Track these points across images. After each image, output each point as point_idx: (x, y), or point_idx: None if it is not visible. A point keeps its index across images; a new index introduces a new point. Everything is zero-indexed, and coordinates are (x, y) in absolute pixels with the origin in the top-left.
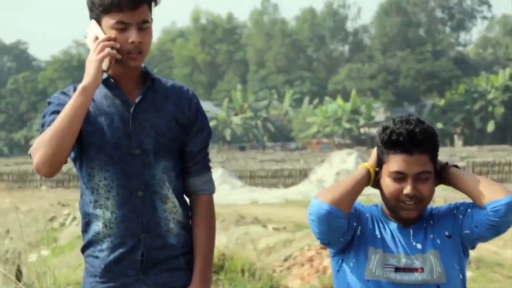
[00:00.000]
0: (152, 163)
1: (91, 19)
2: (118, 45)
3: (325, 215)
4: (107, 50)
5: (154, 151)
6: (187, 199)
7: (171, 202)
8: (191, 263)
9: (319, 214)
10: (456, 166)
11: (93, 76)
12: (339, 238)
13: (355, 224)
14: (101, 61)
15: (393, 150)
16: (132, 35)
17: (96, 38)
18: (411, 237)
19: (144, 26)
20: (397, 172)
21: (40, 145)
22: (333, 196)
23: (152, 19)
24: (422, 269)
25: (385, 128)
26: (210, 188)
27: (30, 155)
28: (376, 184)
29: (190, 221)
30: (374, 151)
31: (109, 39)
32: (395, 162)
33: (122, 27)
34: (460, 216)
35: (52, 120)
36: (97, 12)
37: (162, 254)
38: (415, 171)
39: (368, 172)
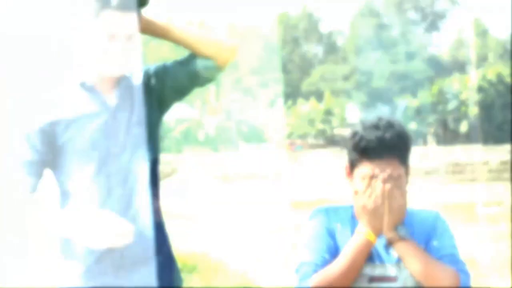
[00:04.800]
0: (129, 160)
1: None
2: None
3: None
4: None
5: (131, 148)
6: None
7: (144, 192)
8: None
9: None
10: (402, 238)
11: None
12: None
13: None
14: None
15: (364, 156)
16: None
17: None
18: (387, 245)
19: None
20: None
21: None
22: None
23: None
24: (396, 278)
25: (354, 134)
26: None
27: None
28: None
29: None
30: (363, 213)
31: None
32: (366, 167)
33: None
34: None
35: None
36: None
37: (139, 249)
38: None
39: (369, 243)
